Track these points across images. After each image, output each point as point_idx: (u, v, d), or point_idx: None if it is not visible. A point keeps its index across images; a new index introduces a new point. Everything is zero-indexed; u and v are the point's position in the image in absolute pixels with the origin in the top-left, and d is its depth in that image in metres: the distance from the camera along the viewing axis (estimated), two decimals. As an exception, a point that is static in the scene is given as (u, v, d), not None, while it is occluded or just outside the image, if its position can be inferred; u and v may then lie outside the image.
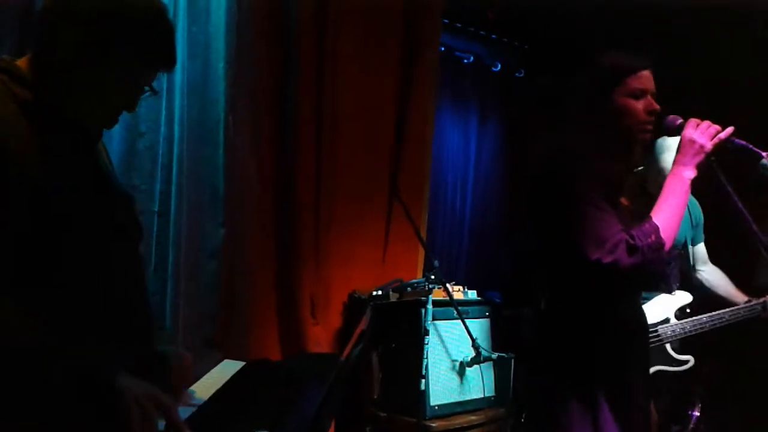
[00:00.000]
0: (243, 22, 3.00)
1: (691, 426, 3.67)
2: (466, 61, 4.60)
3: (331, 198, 3.30)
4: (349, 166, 3.36)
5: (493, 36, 4.64)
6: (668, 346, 2.75)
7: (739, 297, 2.95)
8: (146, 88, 1.39)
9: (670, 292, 2.74)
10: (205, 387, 1.84)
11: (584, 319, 2.01)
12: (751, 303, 2.84)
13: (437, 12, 3.75)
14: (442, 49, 4.21)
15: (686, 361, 2.78)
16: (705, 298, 2.98)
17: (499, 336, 3.53)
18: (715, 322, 2.79)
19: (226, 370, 1.97)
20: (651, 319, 2.73)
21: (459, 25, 4.38)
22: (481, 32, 4.57)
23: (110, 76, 1.32)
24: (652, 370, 2.67)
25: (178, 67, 2.94)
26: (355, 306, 3.31)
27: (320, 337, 3.21)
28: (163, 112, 2.88)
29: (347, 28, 3.33)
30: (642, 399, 2.07)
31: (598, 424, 1.93)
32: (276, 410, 1.64)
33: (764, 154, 1.97)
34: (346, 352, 1.74)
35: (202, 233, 2.89)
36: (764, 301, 2.81)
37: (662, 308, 2.79)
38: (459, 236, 4.76)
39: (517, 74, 4.86)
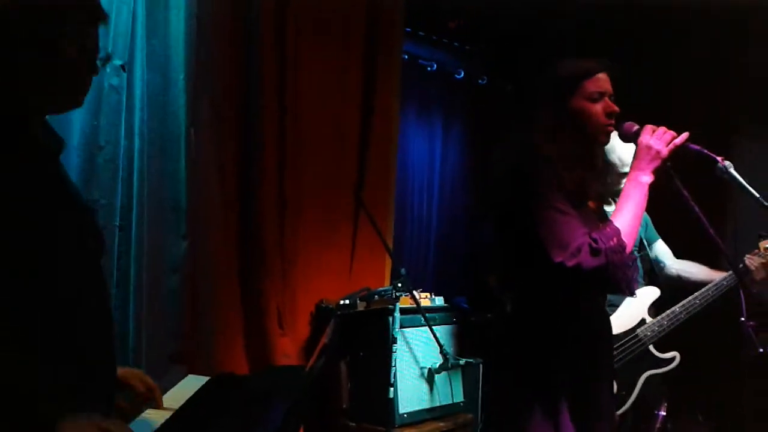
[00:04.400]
0: (203, 34, 2.98)
1: (658, 425, 3.71)
2: (429, 68, 4.63)
3: (296, 208, 3.28)
4: (313, 175, 3.35)
5: (456, 44, 4.68)
6: (652, 348, 2.76)
7: (718, 276, 2.97)
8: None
9: (632, 294, 2.77)
10: (168, 403, 1.81)
11: (547, 324, 2.02)
12: (717, 280, 2.85)
13: (399, 21, 3.77)
14: (406, 57, 4.24)
15: (672, 359, 2.79)
16: (674, 291, 3.01)
17: (467, 341, 3.55)
18: (689, 309, 2.80)
19: (189, 385, 1.94)
20: (628, 323, 2.75)
21: (422, 33, 4.41)
22: (444, 40, 4.60)
23: (50, 50, 1.28)
24: (643, 377, 2.69)
25: (138, 80, 2.92)
26: (322, 316, 3.29)
27: (288, 349, 3.18)
28: (123, 126, 2.83)
29: (308, 38, 3.33)
30: (605, 405, 2.09)
31: (560, 429, 1.94)
32: (240, 425, 1.62)
33: (719, 158, 2.02)
34: (309, 366, 1.73)
35: (164, 247, 2.85)
36: (728, 275, 2.81)
37: (635, 310, 2.80)
38: (426, 243, 4.78)
39: (480, 81, 4.90)
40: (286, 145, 3.23)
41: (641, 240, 3.13)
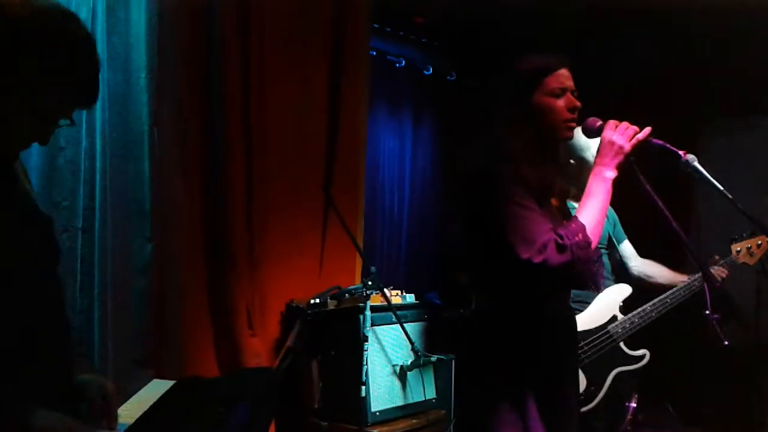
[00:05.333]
0: (164, 31, 2.92)
1: (629, 417, 3.75)
2: (398, 65, 4.61)
3: (264, 208, 3.25)
4: (281, 174, 3.32)
5: (424, 40, 4.67)
6: (622, 345, 2.78)
7: (679, 279, 3.02)
8: (63, 121, 1.31)
9: (597, 289, 2.78)
10: (132, 409, 1.78)
11: (514, 320, 2.03)
12: (688, 281, 2.91)
13: (365, 16, 3.74)
14: (374, 53, 4.22)
15: (642, 356, 2.81)
16: (642, 291, 3.05)
17: (439, 338, 3.55)
18: (660, 308, 2.84)
19: (154, 390, 1.91)
20: (599, 319, 2.77)
21: (389, 29, 4.38)
22: (412, 36, 4.59)
23: (17, 108, 1.24)
24: (613, 373, 2.71)
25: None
26: (293, 315, 3.27)
27: (259, 349, 3.15)
28: (84, 125, 2.79)
29: (273, 34, 3.29)
30: (572, 399, 2.10)
31: (527, 425, 1.95)
32: (205, 429, 1.60)
33: (682, 152, 2.03)
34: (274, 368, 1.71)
35: (128, 249, 2.80)
36: (699, 276, 2.86)
37: (606, 307, 2.82)
38: (397, 240, 4.77)
39: (448, 77, 4.90)
40: (252, 143, 3.19)
41: (610, 237, 3.15)
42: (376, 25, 4.16)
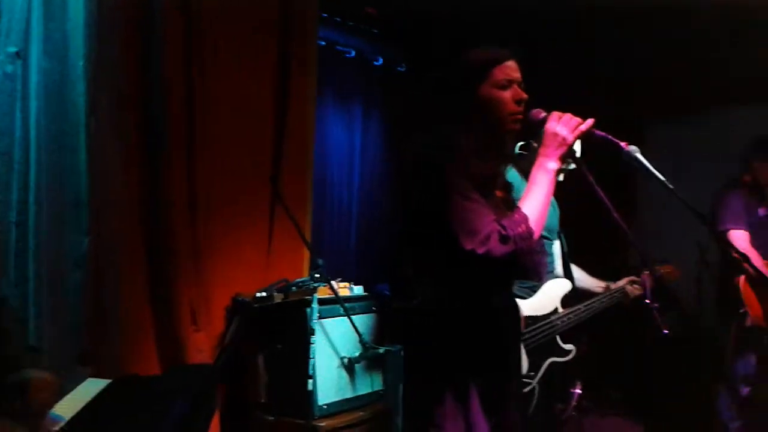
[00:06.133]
0: (103, 17, 2.83)
1: (573, 403, 3.82)
2: (347, 55, 4.56)
3: (208, 200, 3.17)
4: (226, 166, 3.24)
5: (374, 30, 4.63)
6: (557, 337, 2.82)
7: (597, 285, 3.10)
8: None
9: (540, 279, 2.82)
10: (65, 408, 1.73)
11: (457, 311, 2.03)
12: (610, 291, 2.99)
13: (314, 5, 3.69)
14: (323, 43, 4.16)
15: (571, 351, 2.86)
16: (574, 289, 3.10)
17: (389, 329, 3.54)
18: (589, 310, 2.91)
19: (87, 389, 1.86)
20: (543, 310, 2.79)
21: (338, 19, 4.33)
22: (362, 26, 4.54)
23: None
24: (547, 362, 2.74)
25: (34, 67, 2.76)
26: (239, 309, 3.21)
27: (203, 344, 3.08)
28: (18, 115, 2.69)
29: (218, 22, 3.21)
30: (514, 390, 2.12)
31: (470, 417, 1.95)
32: (140, 429, 1.56)
33: (623, 144, 2.05)
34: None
35: (65, 243, 2.72)
36: (622, 288, 2.96)
37: (550, 299, 2.86)
38: (347, 231, 4.73)
39: (399, 68, 4.87)
40: (194, 134, 3.11)
41: (559, 232, 3.18)
42: (325, 15, 4.10)
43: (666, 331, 2.00)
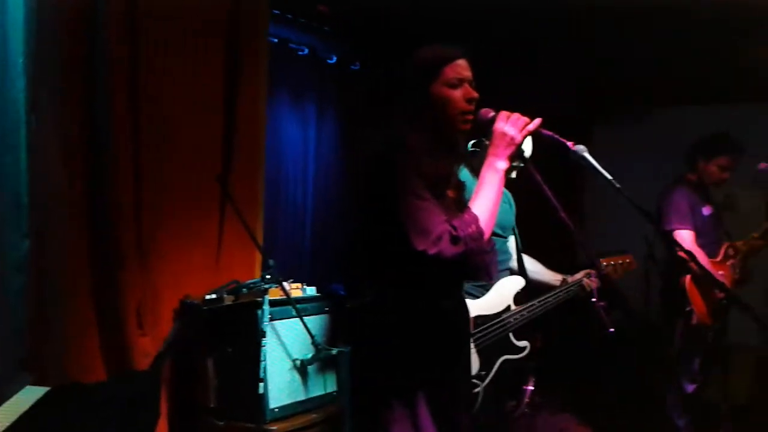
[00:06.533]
0: (44, 14, 2.73)
1: (526, 400, 3.85)
2: (300, 53, 4.50)
3: (155, 200, 3.10)
4: (174, 165, 3.17)
5: (327, 28, 4.59)
6: (510, 334, 2.83)
7: (555, 279, 3.12)
8: None
9: (490, 280, 2.83)
10: (2, 417, 1.66)
11: (407, 311, 2.02)
12: (567, 285, 3.02)
13: (265, 1, 3.63)
14: (275, 40, 4.11)
15: (525, 348, 2.87)
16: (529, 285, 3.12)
17: (342, 329, 3.51)
18: (544, 305, 2.93)
19: (26, 398, 1.79)
20: (494, 308, 2.81)
21: (290, 16, 4.28)
22: (315, 24, 4.50)
23: None
24: (499, 360, 2.75)
25: (-30, 62, 2.65)
26: (187, 312, 3.14)
27: (150, 349, 3.00)
28: (-47, 112, 2.58)
29: (164, 17, 3.13)
30: (463, 392, 2.12)
31: (418, 420, 1.95)
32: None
33: (570, 143, 2.07)
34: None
35: (4, 245, 2.61)
36: (579, 281, 2.99)
37: (504, 295, 2.87)
38: (301, 231, 4.68)
39: (353, 67, 4.84)
40: (140, 133, 3.03)
41: (514, 228, 3.20)
42: (277, 12, 4.05)
43: (612, 330, 2.02)
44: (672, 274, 3.83)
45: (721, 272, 3.70)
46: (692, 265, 3.63)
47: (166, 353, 1.59)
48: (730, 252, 3.89)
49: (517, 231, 3.27)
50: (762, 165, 4.11)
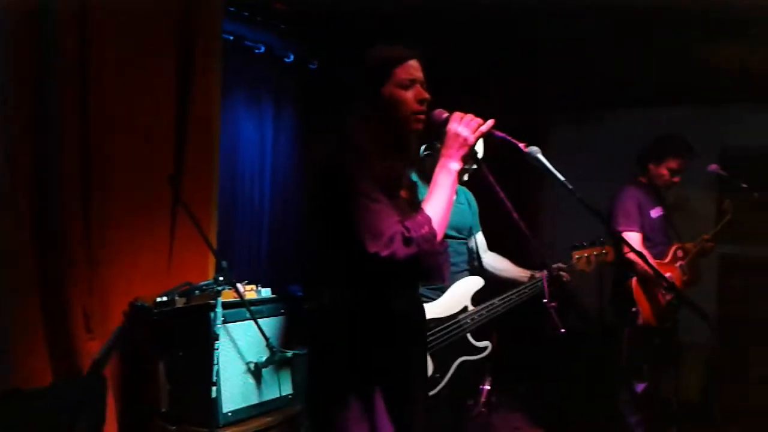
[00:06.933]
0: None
1: (483, 399, 3.87)
2: (257, 51, 4.45)
3: (104, 201, 3.02)
4: (124, 165, 3.10)
5: (284, 26, 4.53)
6: (469, 335, 2.82)
7: (524, 275, 3.12)
8: None
9: (443, 281, 2.82)
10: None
11: (361, 313, 2.00)
12: (532, 281, 3.01)
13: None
14: (231, 38, 4.05)
15: (485, 348, 2.87)
16: (489, 283, 3.12)
17: (299, 331, 3.47)
18: (506, 303, 2.92)
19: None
20: (451, 309, 2.80)
21: (246, 14, 4.21)
22: (272, 22, 4.44)
23: None
24: (456, 362, 2.74)
25: None
26: (137, 315, 3.07)
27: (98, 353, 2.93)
28: None
29: (114, 14, 3.05)
30: (419, 391, 2.11)
31: (375, 421, 1.93)
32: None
33: (522, 145, 2.07)
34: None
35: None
36: (543, 276, 2.97)
37: (459, 297, 2.86)
38: (259, 231, 4.62)
39: (311, 66, 4.80)
40: (89, 132, 2.95)
41: (470, 228, 3.20)
42: (232, 9, 3.98)
43: (563, 330, 2.02)
44: (620, 275, 3.87)
45: (669, 274, 3.75)
46: (638, 267, 3.68)
47: (104, 358, 1.55)
48: (679, 254, 3.94)
49: (477, 230, 3.28)
50: (712, 166, 4.19)
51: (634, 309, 3.76)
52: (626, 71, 4.97)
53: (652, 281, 3.75)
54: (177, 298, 3.05)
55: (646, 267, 3.62)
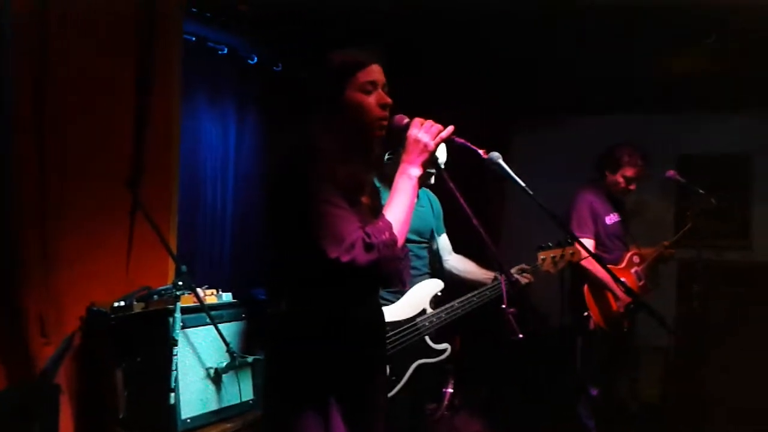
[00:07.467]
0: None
1: (446, 402, 3.88)
2: (220, 52, 4.39)
3: (61, 204, 2.95)
4: (81, 167, 3.02)
5: (247, 28, 4.49)
6: (427, 338, 2.83)
7: (488, 277, 3.13)
8: None
9: (403, 286, 2.82)
10: None
11: (320, 319, 2.00)
12: (494, 282, 3.02)
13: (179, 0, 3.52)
14: (193, 39, 4.00)
15: (444, 350, 2.87)
16: (454, 285, 3.13)
17: (260, 336, 3.44)
18: (466, 306, 2.93)
19: None
20: (409, 312, 2.80)
21: (209, 14, 4.16)
22: (235, 23, 4.39)
23: None
24: (414, 365, 2.75)
25: None
26: (94, 320, 3.01)
27: (54, 358, 2.87)
28: None
29: (70, 15, 2.99)
30: (378, 397, 2.10)
31: (330, 428, 1.92)
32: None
33: (481, 151, 2.08)
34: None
35: None
36: (506, 276, 2.97)
37: (418, 300, 2.86)
38: (221, 235, 4.56)
39: (275, 68, 4.76)
40: (44, 133, 2.88)
41: (432, 230, 3.21)
42: (194, 10, 3.93)
43: (521, 336, 2.03)
44: (576, 281, 3.92)
45: (623, 279, 3.80)
46: (590, 272, 3.73)
47: (54, 366, 1.51)
48: (635, 259, 4.00)
49: (441, 232, 3.28)
50: (670, 172, 4.26)
51: (585, 314, 3.81)
52: (586, 78, 5.04)
53: (602, 287, 3.80)
54: (135, 303, 3.00)
55: (598, 273, 3.68)
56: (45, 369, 1.70)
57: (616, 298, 3.79)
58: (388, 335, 2.63)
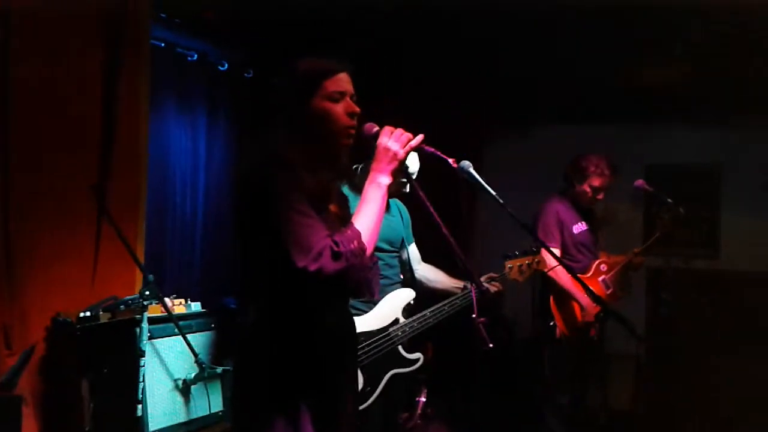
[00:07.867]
0: None
1: (419, 412, 3.86)
2: (190, 58, 4.35)
3: (24, 212, 2.90)
4: (46, 176, 2.98)
5: (217, 34, 4.45)
6: (400, 348, 2.81)
7: (457, 286, 3.12)
8: None
9: (372, 296, 2.80)
10: None
11: (288, 329, 1.97)
12: (464, 291, 3.00)
13: (147, 5, 3.48)
14: (162, 45, 3.95)
15: (417, 360, 2.86)
16: (425, 294, 3.11)
17: (231, 346, 3.40)
18: (438, 315, 2.92)
19: None
20: (382, 322, 2.79)
21: (178, 20, 4.12)
22: (204, 30, 4.35)
23: None
24: (388, 375, 2.73)
25: None
26: (59, 330, 2.95)
27: (17, 370, 2.80)
28: None
29: (35, 17, 2.94)
30: (348, 407, 2.08)
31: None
32: None
33: (451, 160, 2.08)
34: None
35: None
36: (476, 285, 2.97)
37: (390, 309, 2.85)
38: (191, 244, 4.50)
39: (246, 74, 4.73)
40: (9, 139, 2.83)
41: (402, 238, 3.20)
42: (163, 15, 3.89)
43: (491, 345, 2.02)
44: (543, 290, 3.92)
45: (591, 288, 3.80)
46: (555, 281, 3.74)
47: (13, 377, 1.47)
48: (603, 268, 4.01)
49: (410, 242, 3.27)
50: (639, 182, 4.30)
51: (552, 323, 3.82)
52: (556, 89, 5.08)
53: (568, 296, 3.81)
54: (101, 312, 2.96)
55: (563, 282, 3.70)
56: (4, 380, 1.65)
57: (582, 307, 3.80)
58: (361, 345, 2.61)
